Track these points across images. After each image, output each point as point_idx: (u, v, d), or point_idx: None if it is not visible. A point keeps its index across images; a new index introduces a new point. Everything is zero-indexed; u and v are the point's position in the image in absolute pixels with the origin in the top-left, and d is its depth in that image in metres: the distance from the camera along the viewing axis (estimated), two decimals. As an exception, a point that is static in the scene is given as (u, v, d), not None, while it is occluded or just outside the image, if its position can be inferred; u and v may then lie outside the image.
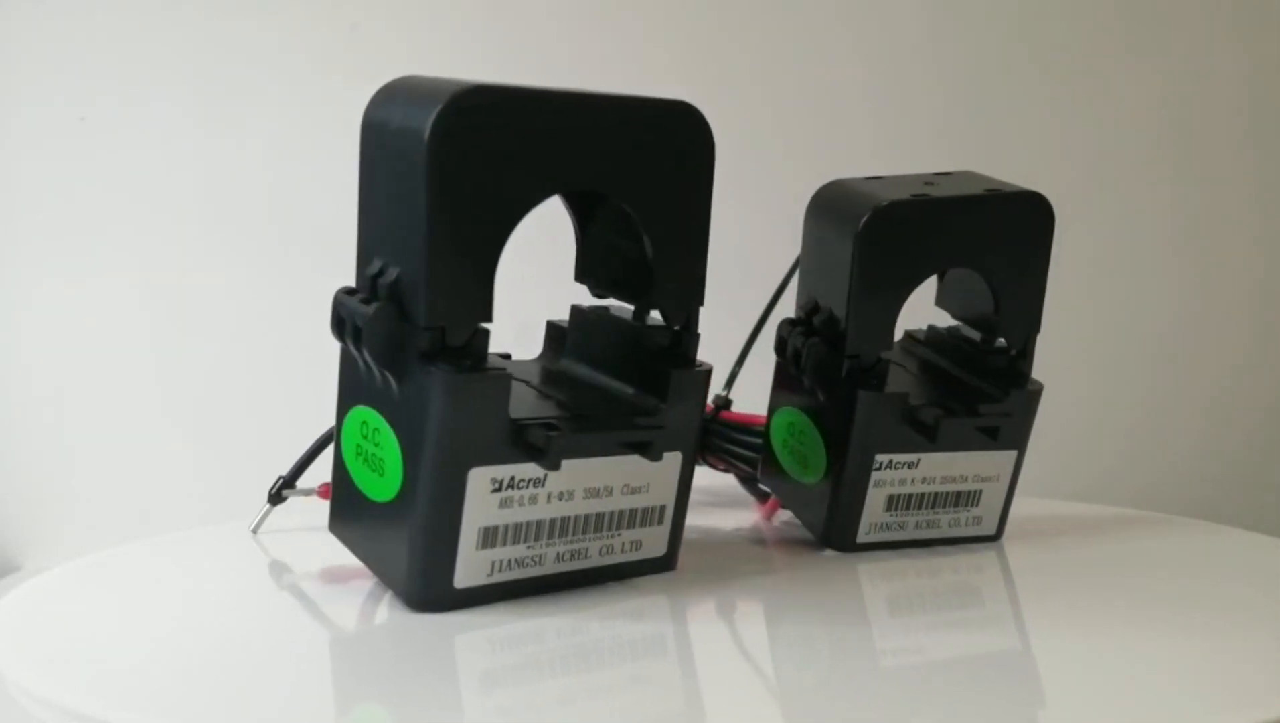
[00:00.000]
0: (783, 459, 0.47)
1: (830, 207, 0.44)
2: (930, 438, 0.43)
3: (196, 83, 0.75)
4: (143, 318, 0.76)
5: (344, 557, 0.40)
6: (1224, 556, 0.47)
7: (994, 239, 0.44)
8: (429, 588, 0.36)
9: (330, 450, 0.40)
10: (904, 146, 0.76)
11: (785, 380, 0.47)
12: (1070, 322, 0.73)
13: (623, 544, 0.40)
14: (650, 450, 0.38)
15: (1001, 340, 0.46)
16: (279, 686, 0.32)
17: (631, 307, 0.41)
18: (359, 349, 0.35)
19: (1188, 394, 0.77)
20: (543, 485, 0.37)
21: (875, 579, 0.43)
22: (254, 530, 0.49)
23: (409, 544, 0.36)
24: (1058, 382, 0.74)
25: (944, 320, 0.50)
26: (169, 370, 0.76)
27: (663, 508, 0.40)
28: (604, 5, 0.74)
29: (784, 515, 0.51)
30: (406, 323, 0.35)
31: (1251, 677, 0.32)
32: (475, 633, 0.36)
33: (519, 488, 0.37)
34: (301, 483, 0.49)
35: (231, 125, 0.75)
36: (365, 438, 0.37)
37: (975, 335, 0.48)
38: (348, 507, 0.38)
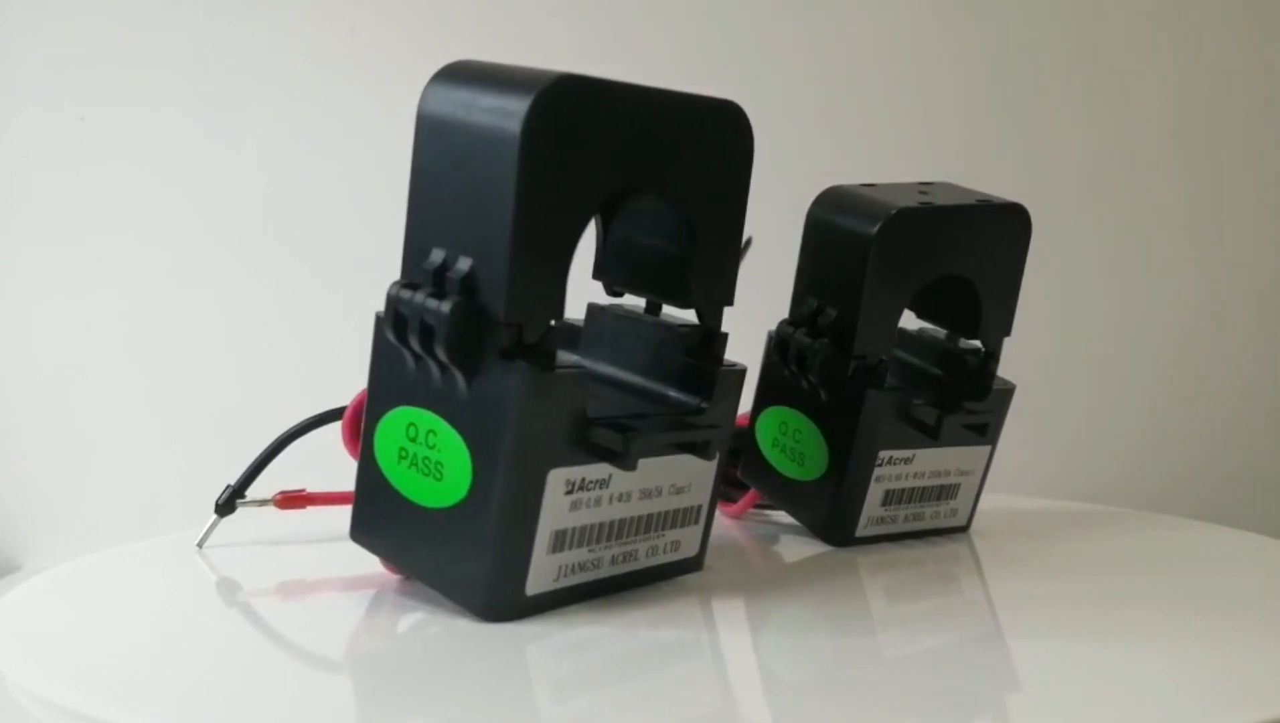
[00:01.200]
0: (773, 458, 0.48)
1: (839, 212, 0.45)
2: (933, 436, 0.45)
3: (196, 83, 0.75)
4: (143, 319, 0.76)
5: (355, 565, 0.39)
6: (1194, 549, 0.48)
7: (984, 247, 0.47)
8: (502, 596, 0.35)
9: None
10: (909, 150, 0.77)
11: (776, 380, 0.47)
12: (1080, 324, 0.77)
13: (665, 545, 0.39)
14: (707, 451, 0.38)
15: (974, 342, 0.48)
16: (288, 688, 0.31)
17: (646, 303, 0.41)
18: (428, 347, 0.33)
19: (1199, 397, 0.78)
20: (607, 487, 0.36)
21: (875, 571, 0.44)
22: (200, 545, 0.46)
23: (482, 551, 0.34)
24: (1067, 383, 0.77)
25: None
26: (169, 371, 0.76)
27: (699, 508, 0.40)
28: (602, 5, 0.75)
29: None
30: (481, 319, 0.33)
31: (1234, 677, 0.32)
32: (544, 642, 0.34)
33: (588, 490, 0.36)
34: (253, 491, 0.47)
35: (230, 126, 0.76)
36: (413, 441, 0.35)
37: (941, 336, 0.50)
38: (384, 515, 0.36)
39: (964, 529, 0.49)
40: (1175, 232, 0.77)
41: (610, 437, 0.35)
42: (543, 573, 0.35)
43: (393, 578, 0.40)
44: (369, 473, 0.36)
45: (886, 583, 0.43)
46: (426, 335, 0.33)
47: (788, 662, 0.34)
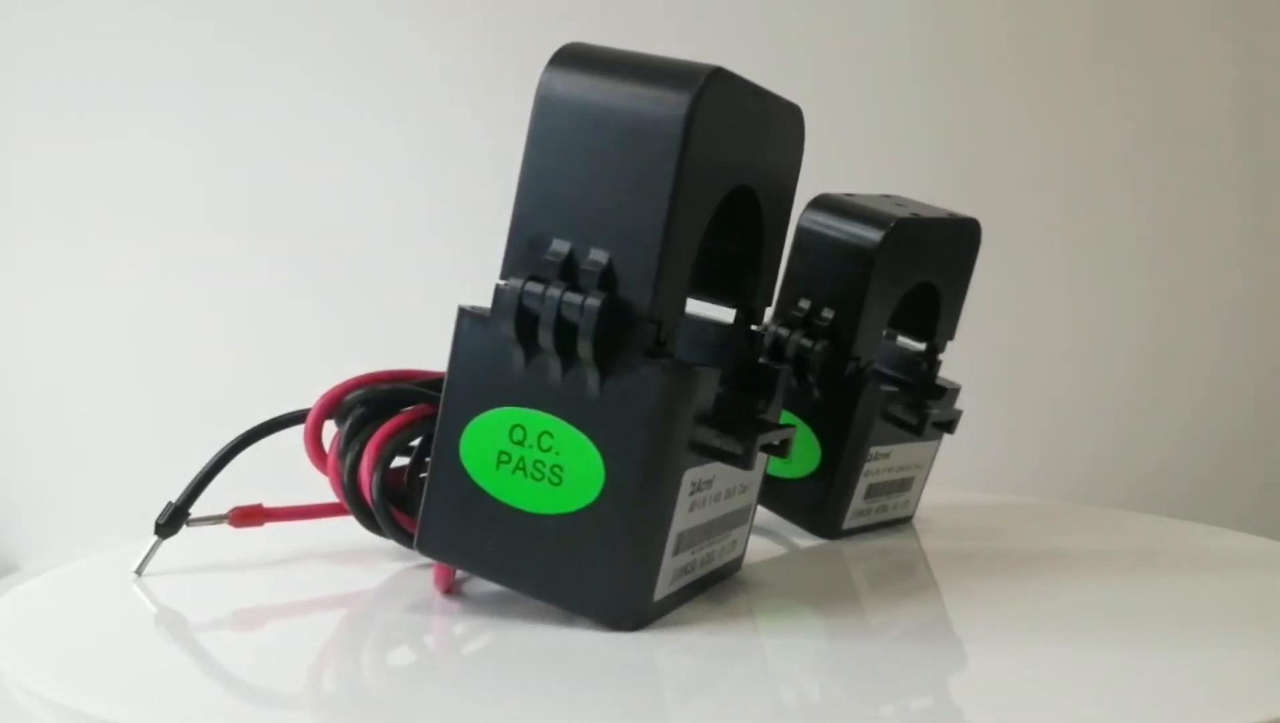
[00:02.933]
0: None
1: (836, 219, 0.47)
2: (918, 432, 0.48)
3: (195, 84, 0.76)
4: (142, 319, 0.76)
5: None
6: (1169, 545, 0.48)
7: (950, 257, 0.50)
8: (634, 604, 0.33)
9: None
10: (892, 157, 0.77)
11: None
12: (1053, 324, 0.79)
13: (728, 545, 0.39)
14: (785, 450, 0.38)
15: (918, 346, 0.52)
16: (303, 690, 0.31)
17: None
18: (566, 344, 0.32)
19: (1170, 395, 0.79)
20: (710, 488, 0.36)
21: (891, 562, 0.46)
22: (138, 572, 0.41)
23: (617, 557, 0.33)
24: (1043, 383, 0.78)
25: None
26: (167, 372, 0.76)
27: (750, 508, 0.40)
28: (600, 6, 0.76)
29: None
30: (620, 315, 0.32)
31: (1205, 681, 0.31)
32: (668, 649, 0.33)
33: (700, 491, 0.35)
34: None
35: (230, 127, 0.76)
36: (519, 444, 0.33)
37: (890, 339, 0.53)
38: (472, 524, 0.34)
39: (909, 519, 0.52)
40: (1145, 237, 0.79)
41: (729, 439, 0.34)
42: (666, 577, 0.34)
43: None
44: (450, 480, 0.34)
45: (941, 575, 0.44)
46: (565, 332, 0.32)
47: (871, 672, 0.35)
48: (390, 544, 0.42)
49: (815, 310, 0.46)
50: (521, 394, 0.33)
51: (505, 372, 0.33)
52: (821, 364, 0.45)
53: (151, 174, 0.76)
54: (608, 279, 0.31)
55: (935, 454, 0.51)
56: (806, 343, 0.45)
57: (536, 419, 0.33)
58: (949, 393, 0.50)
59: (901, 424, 0.47)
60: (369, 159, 0.77)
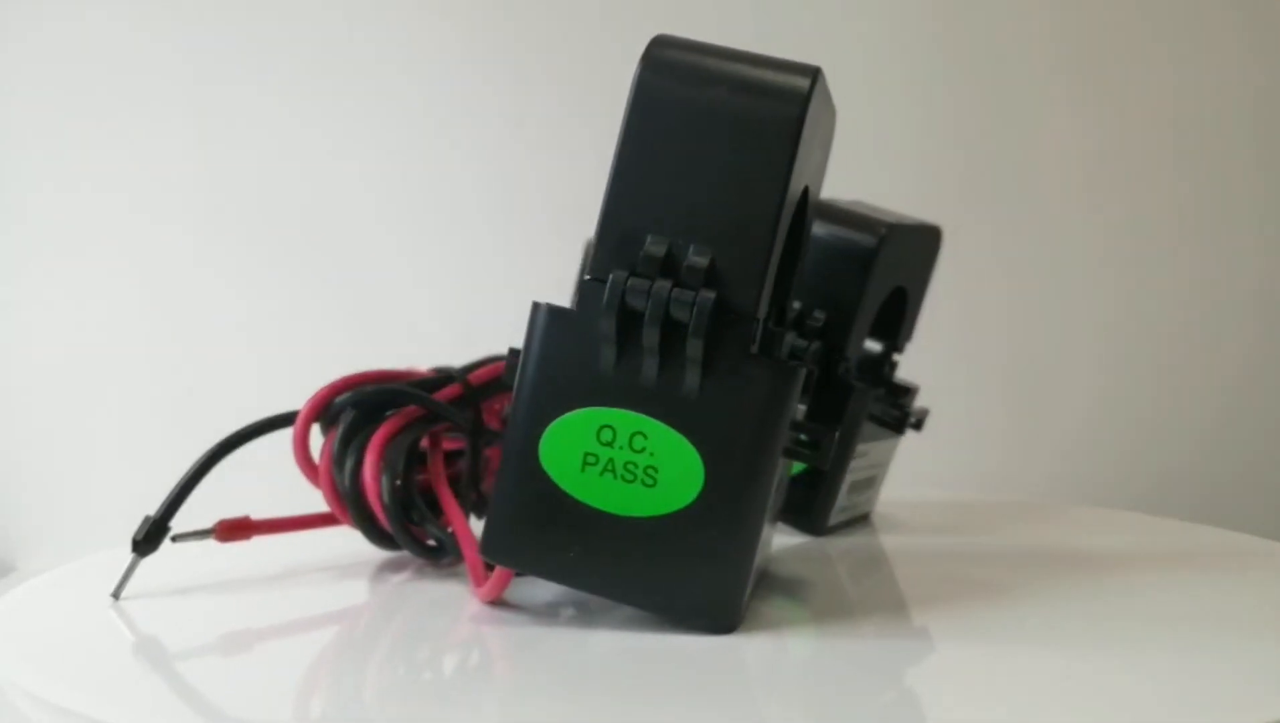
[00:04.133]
0: None
1: (830, 223, 0.47)
2: (900, 430, 0.49)
3: (195, 84, 0.75)
4: (141, 319, 0.76)
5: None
6: (1181, 550, 0.47)
7: (919, 262, 0.52)
8: (734, 604, 0.33)
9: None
10: (907, 152, 0.75)
11: None
12: (1055, 329, 0.77)
13: (771, 544, 0.39)
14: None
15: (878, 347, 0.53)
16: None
17: None
18: (673, 342, 0.31)
19: (1195, 397, 0.77)
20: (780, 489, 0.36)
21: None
22: (115, 595, 0.38)
23: (723, 558, 0.32)
24: (1057, 386, 0.77)
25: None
26: (166, 372, 0.76)
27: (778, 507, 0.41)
28: (592, 9, 0.75)
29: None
30: (725, 313, 0.32)
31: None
32: (761, 649, 0.33)
33: (778, 491, 0.35)
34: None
35: (229, 127, 0.75)
36: (608, 445, 0.32)
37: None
38: (552, 528, 0.32)
39: (869, 515, 0.54)
40: (1168, 235, 0.78)
41: (808, 440, 0.34)
42: (751, 579, 0.34)
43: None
44: (528, 483, 0.32)
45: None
46: (673, 329, 0.31)
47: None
48: (380, 553, 0.41)
49: (807, 311, 0.46)
50: (611, 394, 0.32)
51: (592, 370, 0.32)
52: (817, 364, 0.45)
53: (151, 173, 0.75)
54: (712, 277, 0.31)
55: (895, 451, 0.53)
56: (801, 343, 0.45)
57: (628, 419, 0.32)
58: (911, 392, 0.51)
59: (884, 423, 0.48)
60: (369, 159, 0.77)
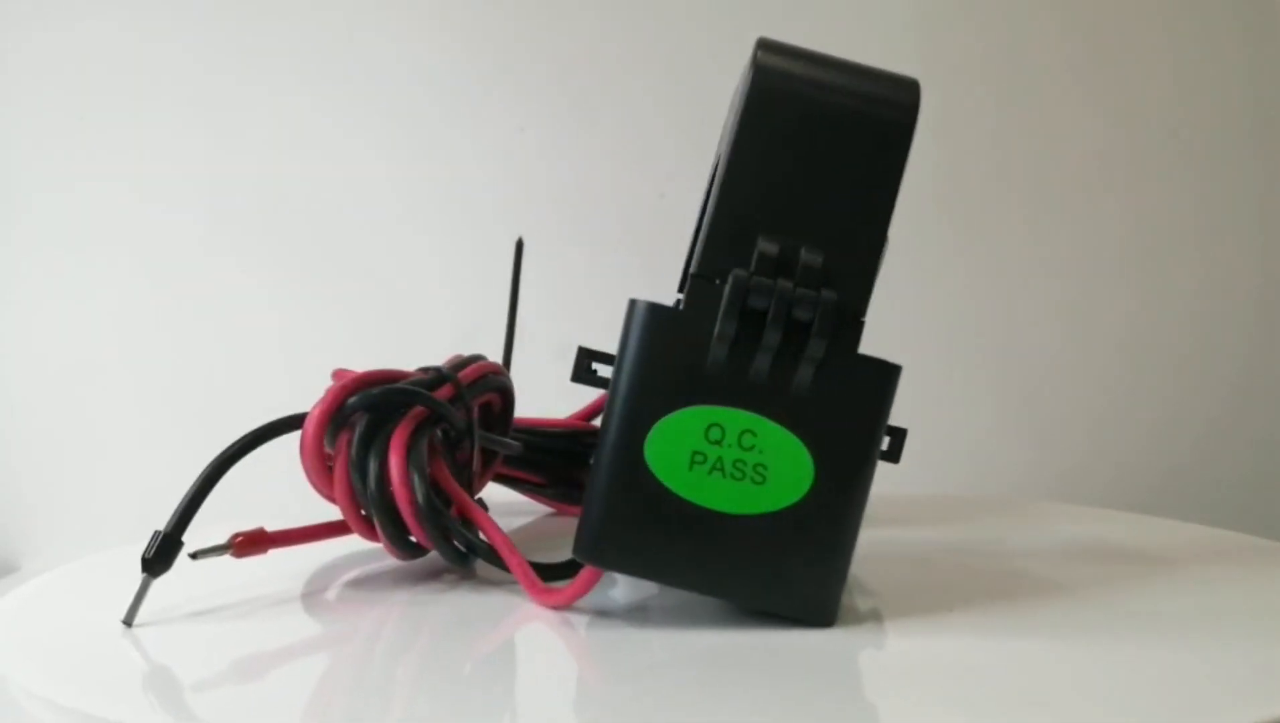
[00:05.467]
0: None
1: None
2: None
3: (196, 84, 0.75)
4: (142, 319, 0.75)
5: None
6: (1182, 548, 0.46)
7: None
8: (837, 598, 0.34)
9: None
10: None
11: None
12: (1039, 321, 0.76)
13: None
14: None
15: None
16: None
17: None
18: (795, 340, 0.31)
19: (1194, 397, 0.76)
20: None
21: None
22: (128, 622, 0.35)
23: (832, 553, 0.33)
24: (1031, 379, 0.76)
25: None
26: (167, 371, 0.75)
27: None
28: (590, 9, 0.75)
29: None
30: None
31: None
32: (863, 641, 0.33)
33: None
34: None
35: (231, 126, 0.75)
36: (717, 443, 0.33)
37: None
38: (659, 528, 0.32)
39: None
40: (1170, 236, 0.77)
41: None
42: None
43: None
44: (633, 483, 0.32)
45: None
46: (795, 328, 0.32)
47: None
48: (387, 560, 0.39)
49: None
50: (721, 392, 0.32)
51: (701, 368, 0.32)
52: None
53: (153, 172, 0.75)
54: (827, 277, 0.31)
55: None
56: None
57: (737, 417, 0.32)
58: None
59: None
60: (372, 159, 0.76)
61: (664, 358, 0.31)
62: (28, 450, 0.75)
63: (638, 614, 0.35)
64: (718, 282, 0.31)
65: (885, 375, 0.32)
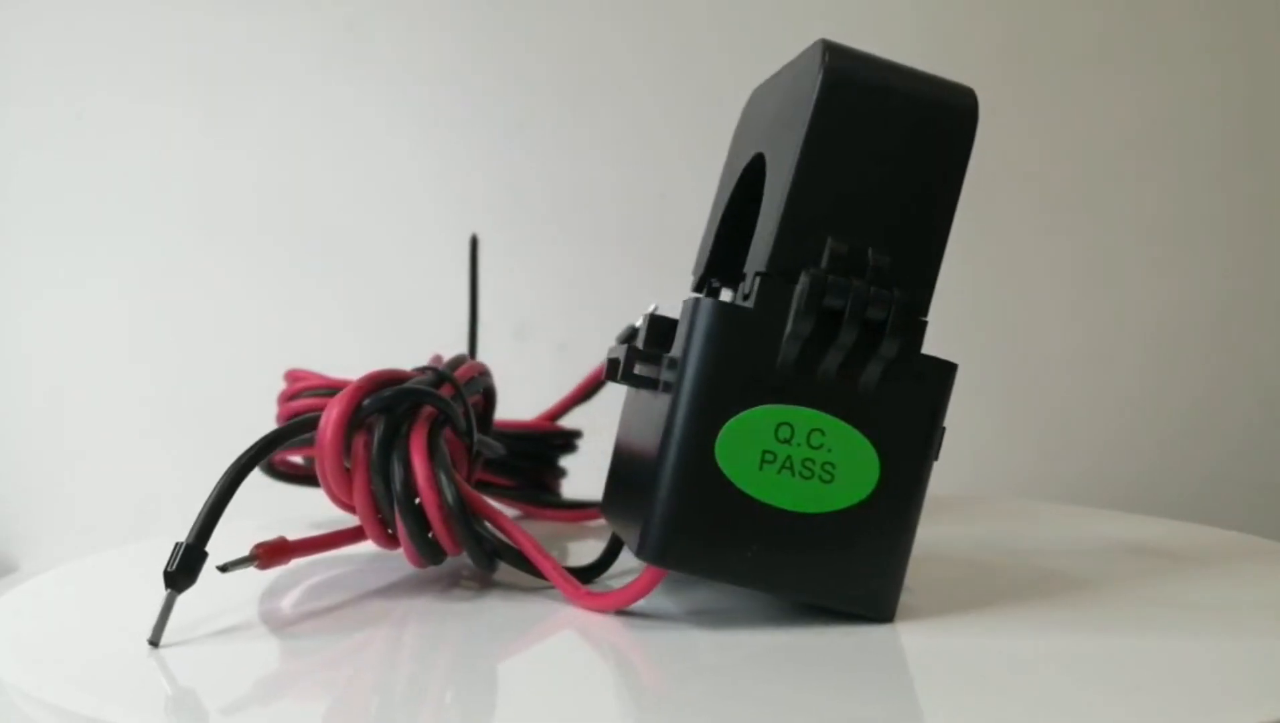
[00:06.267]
0: None
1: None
2: None
3: (193, 81, 0.74)
4: (140, 319, 0.75)
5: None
6: (1176, 546, 0.46)
7: None
8: (898, 593, 0.34)
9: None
10: None
11: None
12: (1052, 323, 0.76)
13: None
14: None
15: None
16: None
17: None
18: (869, 340, 0.32)
19: (1179, 392, 0.76)
20: None
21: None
22: (155, 642, 0.33)
23: (896, 550, 0.34)
24: (1043, 381, 0.76)
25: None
26: (165, 371, 0.75)
27: None
28: (591, 7, 0.75)
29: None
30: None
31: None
32: (919, 634, 0.33)
33: None
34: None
35: (228, 124, 0.75)
36: (786, 442, 0.33)
37: None
38: (730, 529, 0.32)
39: None
40: (1153, 233, 0.77)
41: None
42: None
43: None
44: (704, 484, 0.32)
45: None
46: (871, 328, 0.32)
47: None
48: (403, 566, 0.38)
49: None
50: (790, 391, 0.32)
51: (771, 367, 0.32)
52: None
53: (149, 171, 0.75)
54: (896, 278, 0.32)
55: None
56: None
57: (805, 416, 0.32)
58: None
59: None
60: (371, 157, 0.76)
61: (734, 357, 0.31)
62: (27, 450, 0.76)
63: (673, 617, 0.34)
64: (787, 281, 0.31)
65: (944, 374, 0.33)
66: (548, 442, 0.52)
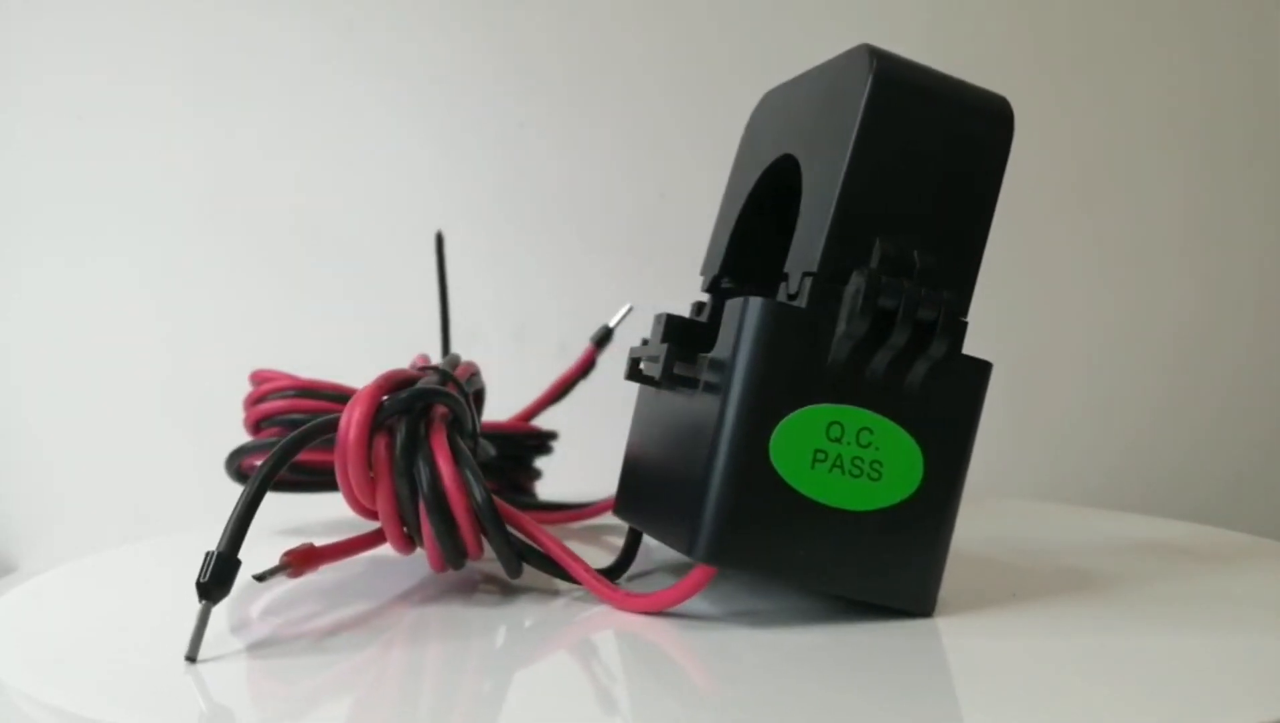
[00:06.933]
0: None
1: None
2: None
3: (194, 82, 0.74)
4: (140, 319, 0.76)
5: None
6: (1187, 548, 0.46)
7: None
8: (938, 587, 0.35)
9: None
10: None
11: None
12: (1063, 326, 0.75)
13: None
14: None
15: None
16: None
17: None
18: (920, 340, 0.32)
19: (1197, 396, 0.75)
20: None
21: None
22: (193, 657, 0.32)
23: (937, 546, 0.34)
24: (1056, 384, 0.76)
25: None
26: (166, 372, 0.75)
27: None
28: (589, 7, 0.75)
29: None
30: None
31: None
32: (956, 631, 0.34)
33: None
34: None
35: (229, 125, 0.75)
36: (837, 441, 0.34)
37: None
38: (785, 527, 0.32)
39: None
40: (1172, 233, 0.76)
41: None
42: None
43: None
44: (759, 483, 0.33)
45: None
46: (921, 328, 0.33)
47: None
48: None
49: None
50: (840, 390, 0.32)
51: (821, 366, 0.32)
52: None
53: (150, 172, 0.75)
54: (940, 279, 0.33)
55: None
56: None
57: (855, 415, 0.33)
58: None
59: None
60: (371, 156, 0.76)
61: (787, 356, 0.31)
62: (26, 451, 0.75)
63: (709, 617, 0.34)
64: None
65: (982, 373, 0.34)
66: (522, 443, 0.51)
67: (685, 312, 0.40)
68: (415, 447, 0.35)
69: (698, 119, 0.72)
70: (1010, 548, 0.46)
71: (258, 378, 0.48)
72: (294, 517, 0.47)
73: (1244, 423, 0.74)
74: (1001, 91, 0.35)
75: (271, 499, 0.44)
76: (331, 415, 0.36)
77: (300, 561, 0.33)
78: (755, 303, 0.32)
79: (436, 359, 0.44)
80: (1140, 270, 0.75)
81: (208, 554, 0.31)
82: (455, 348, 0.42)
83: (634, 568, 0.39)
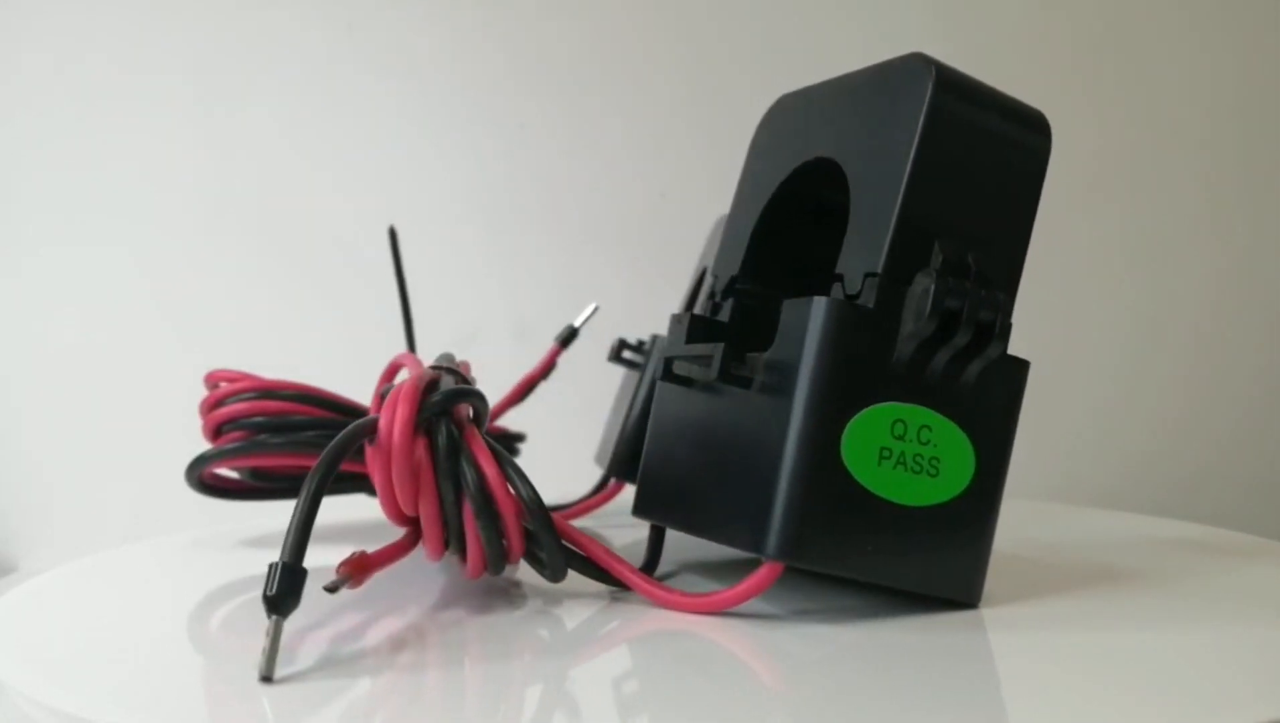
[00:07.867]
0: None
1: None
2: None
3: (193, 83, 0.75)
4: (139, 319, 0.76)
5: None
6: (1198, 549, 0.46)
7: None
8: (984, 578, 0.37)
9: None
10: None
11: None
12: (1093, 324, 0.72)
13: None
14: None
15: None
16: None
17: None
18: (979, 339, 0.34)
19: (1211, 401, 0.73)
20: None
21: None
22: (269, 676, 0.30)
23: (984, 539, 0.36)
24: (1073, 387, 0.74)
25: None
26: (164, 371, 0.74)
27: None
28: (590, 7, 0.75)
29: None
30: None
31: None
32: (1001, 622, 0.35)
33: None
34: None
35: (228, 125, 0.75)
36: (900, 438, 0.35)
37: None
38: (855, 524, 0.33)
39: None
40: (1193, 233, 0.74)
41: None
42: None
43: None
44: (832, 481, 0.33)
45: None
46: (981, 329, 0.34)
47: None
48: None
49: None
50: (903, 389, 0.33)
51: (886, 365, 0.33)
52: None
53: (150, 173, 0.75)
54: (989, 280, 0.35)
55: None
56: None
57: (916, 413, 0.34)
58: None
59: None
60: (371, 156, 0.76)
61: (855, 356, 0.32)
62: (26, 451, 0.75)
63: (759, 615, 0.34)
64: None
65: (1022, 371, 0.35)
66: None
67: (672, 311, 0.40)
68: (456, 448, 0.34)
69: (699, 119, 0.72)
70: (1042, 546, 0.47)
71: (214, 380, 0.46)
72: (246, 525, 0.45)
73: (1266, 428, 0.73)
74: (1017, 92, 0.36)
75: (231, 507, 0.43)
76: (368, 417, 0.34)
77: (358, 570, 0.32)
78: (822, 302, 0.32)
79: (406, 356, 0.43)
80: (1160, 271, 0.73)
81: (271, 566, 0.29)
82: (455, 348, 0.41)
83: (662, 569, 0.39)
